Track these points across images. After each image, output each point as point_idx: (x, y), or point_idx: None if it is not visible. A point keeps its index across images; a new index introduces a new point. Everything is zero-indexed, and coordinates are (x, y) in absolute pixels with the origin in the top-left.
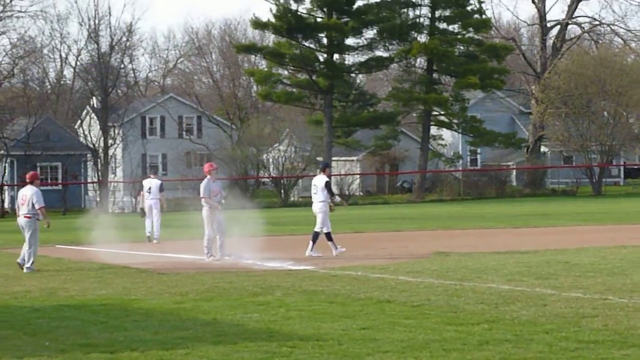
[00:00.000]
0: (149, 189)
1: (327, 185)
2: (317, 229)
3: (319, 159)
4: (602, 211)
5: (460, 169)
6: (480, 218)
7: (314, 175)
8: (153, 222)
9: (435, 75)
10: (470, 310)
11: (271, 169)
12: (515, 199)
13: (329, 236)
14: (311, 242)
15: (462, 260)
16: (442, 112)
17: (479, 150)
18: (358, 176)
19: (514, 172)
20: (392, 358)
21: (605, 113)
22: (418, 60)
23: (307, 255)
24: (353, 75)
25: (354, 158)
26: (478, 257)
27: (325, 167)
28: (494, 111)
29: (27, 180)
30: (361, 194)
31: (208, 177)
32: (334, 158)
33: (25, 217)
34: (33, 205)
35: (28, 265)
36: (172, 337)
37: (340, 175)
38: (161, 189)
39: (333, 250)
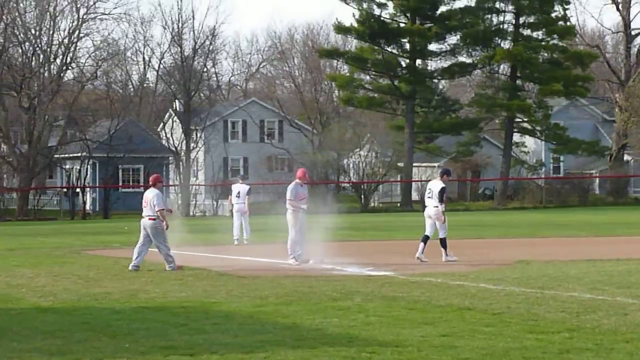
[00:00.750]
0: (238, 193)
1: (442, 191)
2: (441, 235)
3: (400, 164)
4: None
5: (542, 176)
6: (562, 226)
7: (395, 181)
8: (242, 225)
9: (518, 81)
10: (550, 318)
11: (351, 174)
12: (598, 207)
13: (443, 242)
14: (442, 249)
15: (544, 269)
16: (525, 119)
17: (561, 158)
18: None
19: (597, 181)
20: None
21: None
22: (501, 66)
23: (444, 261)
24: (435, 80)
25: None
26: (559, 266)
27: (444, 174)
28: (577, 119)
29: (150, 183)
30: None
31: (297, 181)
32: (415, 164)
33: (149, 219)
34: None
35: (170, 266)
36: (251, 340)
37: (421, 181)
38: (249, 192)
39: (444, 256)
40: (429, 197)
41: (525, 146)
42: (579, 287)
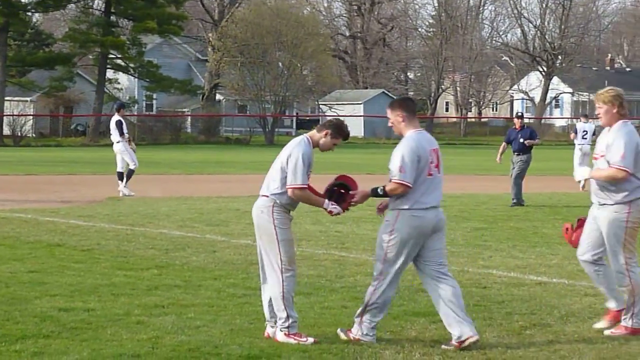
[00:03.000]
0: None
1: (119, 125)
2: (119, 169)
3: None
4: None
5: (135, 113)
6: (154, 164)
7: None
8: None
9: (113, 17)
10: (140, 255)
11: None
12: (189, 145)
13: (120, 175)
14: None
15: (135, 206)
16: (119, 56)
17: (155, 96)
18: (31, 117)
19: (189, 119)
20: (60, 302)
21: (280, 64)
22: (96, 1)
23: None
24: (29, 13)
25: (28, 99)
26: (150, 203)
27: (121, 107)
28: (171, 57)
29: None
30: (34, 135)
31: None
32: (7, 98)
33: None
34: None
35: None
36: None
37: (13, 115)
38: None
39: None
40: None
41: (119, 83)
42: (169, 224)
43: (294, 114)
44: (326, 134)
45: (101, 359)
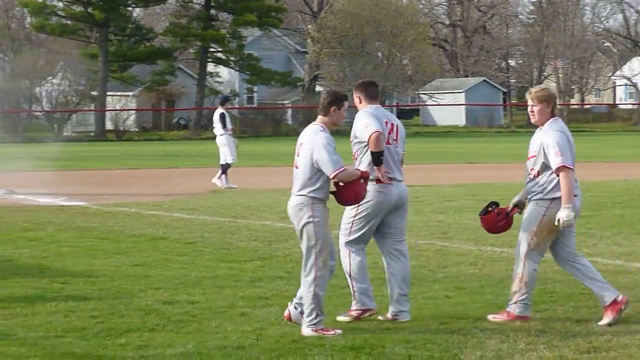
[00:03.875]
0: None
1: (222, 118)
2: (222, 162)
3: (94, 93)
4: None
5: (236, 106)
6: (255, 156)
7: (88, 110)
8: None
9: (212, 11)
10: (243, 247)
11: (44, 103)
12: (290, 137)
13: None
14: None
15: (237, 198)
16: (219, 49)
17: (255, 89)
18: (134, 112)
19: (290, 111)
20: (165, 295)
21: (380, 54)
22: None
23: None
24: (130, 8)
25: (130, 93)
26: (252, 195)
27: (225, 101)
28: (270, 49)
29: None
30: (137, 130)
31: None
32: (109, 93)
33: None
34: None
35: None
36: None
37: (115, 110)
38: None
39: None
40: (214, 128)
41: (220, 76)
42: (271, 216)
43: (394, 104)
44: (333, 110)
45: (206, 351)
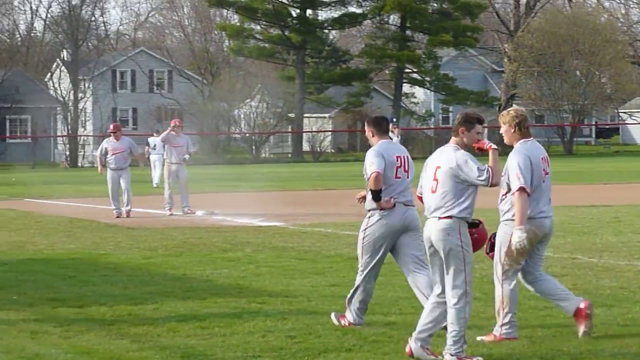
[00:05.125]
0: (154, 145)
1: None
2: None
3: (291, 115)
4: (573, 170)
5: (432, 127)
6: None
7: (286, 132)
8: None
9: (408, 32)
10: None
11: (242, 125)
12: (486, 157)
13: None
14: None
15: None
16: (415, 70)
17: (451, 109)
18: (330, 133)
19: (486, 131)
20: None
21: (578, 72)
22: (391, 17)
23: None
24: (326, 31)
25: (326, 115)
26: None
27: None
28: (466, 69)
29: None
30: (333, 150)
31: (171, 132)
32: (306, 115)
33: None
34: None
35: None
36: (140, 292)
37: (312, 132)
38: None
39: None
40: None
41: (415, 97)
42: None
43: (593, 123)
44: (462, 132)
45: None
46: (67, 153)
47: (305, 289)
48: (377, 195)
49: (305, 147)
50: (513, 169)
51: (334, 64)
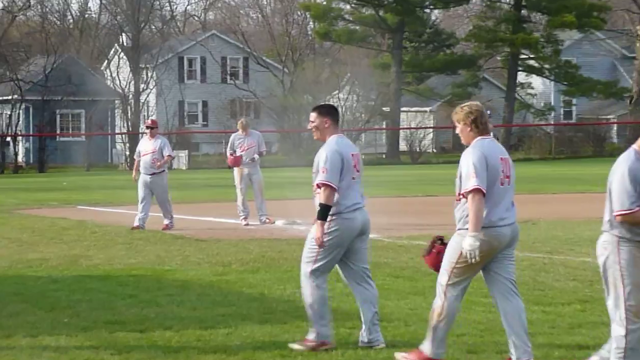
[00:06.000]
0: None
1: None
2: None
3: (386, 109)
4: None
5: (552, 122)
6: (574, 180)
7: (379, 128)
8: None
9: (524, 12)
10: (560, 287)
11: None
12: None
13: None
14: None
15: (552, 230)
16: (532, 56)
17: (574, 101)
18: (431, 130)
19: (615, 127)
20: (469, 341)
21: None
22: None
23: None
24: (427, 10)
25: (427, 109)
26: (571, 227)
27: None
28: (592, 55)
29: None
30: (435, 151)
31: (238, 131)
32: (403, 109)
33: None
34: None
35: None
36: (212, 314)
37: (410, 128)
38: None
39: None
40: None
41: (532, 87)
42: (592, 252)
43: None
44: None
45: None
46: (127, 153)
47: (402, 311)
48: (325, 213)
49: (402, 146)
50: (466, 168)
51: (436, 49)
